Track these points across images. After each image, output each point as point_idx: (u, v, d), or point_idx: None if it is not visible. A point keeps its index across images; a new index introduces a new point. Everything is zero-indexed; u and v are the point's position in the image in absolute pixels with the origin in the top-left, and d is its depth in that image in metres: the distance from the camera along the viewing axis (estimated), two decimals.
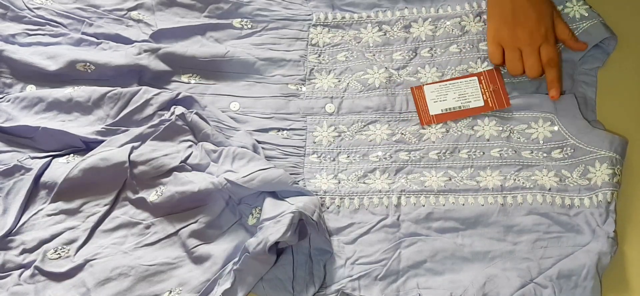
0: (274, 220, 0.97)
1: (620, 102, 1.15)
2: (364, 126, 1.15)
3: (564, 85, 1.14)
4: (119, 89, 1.14)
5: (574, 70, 1.16)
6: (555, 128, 1.10)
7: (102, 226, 1.04)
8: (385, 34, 1.24)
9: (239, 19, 1.26)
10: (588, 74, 1.16)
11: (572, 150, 1.08)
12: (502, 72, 1.17)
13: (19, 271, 1.00)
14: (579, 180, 1.06)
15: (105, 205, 1.05)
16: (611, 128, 1.11)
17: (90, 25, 1.24)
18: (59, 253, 1.01)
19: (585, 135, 1.08)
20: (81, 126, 1.11)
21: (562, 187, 1.06)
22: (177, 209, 1.04)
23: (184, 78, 1.20)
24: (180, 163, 1.07)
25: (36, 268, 1.00)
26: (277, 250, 1.01)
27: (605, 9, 1.18)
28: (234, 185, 1.02)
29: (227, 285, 0.96)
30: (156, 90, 1.14)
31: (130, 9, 1.26)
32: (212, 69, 1.21)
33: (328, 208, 1.08)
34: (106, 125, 1.11)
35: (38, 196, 1.07)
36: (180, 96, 1.14)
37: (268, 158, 1.11)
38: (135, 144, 1.08)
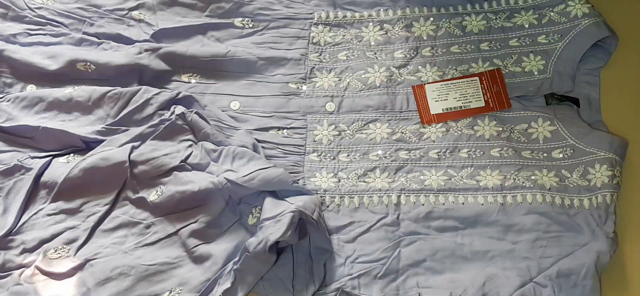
0: (274, 220, 0.98)
1: (622, 101, 1.15)
2: (364, 125, 1.15)
3: (566, 85, 1.14)
4: (119, 89, 1.14)
5: (576, 71, 1.16)
6: (555, 128, 1.10)
7: (102, 226, 1.04)
8: (386, 33, 1.24)
9: (240, 18, 1.26)
10: (590, 74, 1.16)
11: (572, 151, 1.08)
12: (504, 73, 1.17)
13: (19, 271, 1.00)
14: (578, 181, 1.06)
15: (105, 205, 1.06)
16: (613, 127, 1.11)
17: (92, 25, 1.24)
18: (59, 253, 1.01)
19: (584, 136, 1.08)
20: (81, 126, 1.11)
21: (562, 187, 1.05)
22: (177, 209, 1.04)
23: (185, 77, 1.20)
24: (180, 162, 1.07)
25: (36, 267, 1.00)
26: (277, 249, 1.01)
27: (606, 9, 1.18)
28: (234, 184, 1.02)
29: (227, 284, 0.96)
30: (156, 90, 1.14)
31: (131, 9, 1.26)
32: (213, 68, 1.21)
33: (328, 207, 1.08)
34: (106, 125, 1.11)
35: (38, 196, 1.07)
36: (180, 96, 1.14)
37: (268, 157, 1.11)
38: (136, 144, 1.09)
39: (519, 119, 1.12)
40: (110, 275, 0.99)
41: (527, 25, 1.20)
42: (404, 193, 1.08)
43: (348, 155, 1.13)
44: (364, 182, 1.10)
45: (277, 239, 0.95)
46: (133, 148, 1.08)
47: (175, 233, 1.03)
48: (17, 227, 1.04)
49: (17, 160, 1.08)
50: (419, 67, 1.19)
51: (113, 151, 1.07)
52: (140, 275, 0.99)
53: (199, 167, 1.07)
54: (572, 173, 1.07)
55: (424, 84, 1.17)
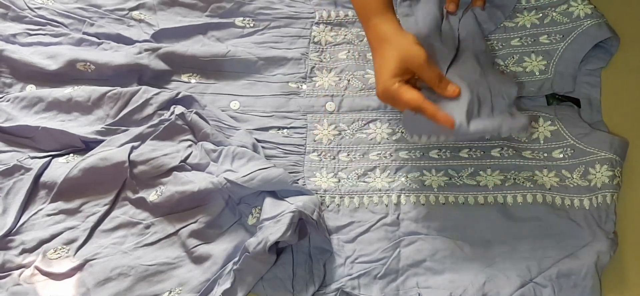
0: (274, 220, 0.98)
1: (623, 102, 1.14)
2: (365, 124, 1.15)
3: (567, 85, 1.14)
4: (118, 89, 1.14)
5: (577, 71, 1.15)
6: (556, 128, 1.10)
7: (102, 226, 1.05)
8: None
9: (241, 18, 1.26)
10: (591, 75, 1.16)
11: (572, 151, 1.08)
12: (505, 72, 1.16)
13: (19, 271, 1.00)
14: (579, 181, 1.05)
15: (105, 205, 1.06)
16: (613, 128, 1.11)
17: (92, 25, 1.24)
18: (58, 253, 1.02)
19: (585, 136, 1.08)
20: (81, 126, 1.12)
21: (562, 187, 1.05)
22: (177, 209, 1.05)
23: (184, 77, 1.20)
24: (180, 162, 1.07)
25: (36, 268, 1.00)
26: (277, 249, 1.01)
27: (608, 10, 1.17)
28: (233, 184, 1.02)
29: (227, 284, 0.97)
30: (156, 90, 1.15)
31: (131, 9, 1.27)
32: (213, 68, 1.21)
33: (328, 206, 1.08)
34: (106, 125, 1.12)
35: (38, 196, 1.07)
36: (180, 95, 1.14)
37: (268, 156, 1.11)
38: (135, 144, 1.09)
39: None
40: (110, 275, 0.99)
41: (529, 25, 1.20)
42: (404, 193, 1.08)
43: (348, 155, 1.12)
44: (364, 181, 1.10)
45: (277, 239, 0.95)
46: (133, 148, 1.08)
47: (175, 233, 1.03)
48: (16, 227, 1.04)
49: (17, 160, 1.09)
50: None
51: (112, 151, 1.07)
52: (140, 275, 1.00)
53: (199, 167, 1.07)
54: (572, 173, 1.06)
55: None
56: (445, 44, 1.12)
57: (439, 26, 1.16)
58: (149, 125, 1.11)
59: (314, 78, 1.20)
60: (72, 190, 1.06)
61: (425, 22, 1.16)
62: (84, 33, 1.23)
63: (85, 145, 1.11)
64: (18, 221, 1.05)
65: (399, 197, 1.08)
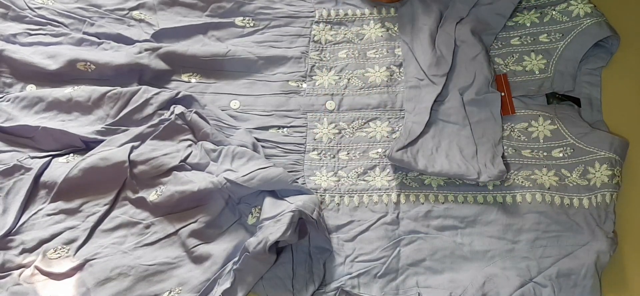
0: (274, 219, 0.98)
1: (623, 101, 1.14)
2: (365, 123, 1.15)
3: (567, 84, 1.14)
4: (118, 89, 1.14)
5: (578, 71, 1.15)
6: (556, 127, 1.10)
7: (102, 226, 1.05)
8: (387, 31, 1.23)
9: (241, 18, 1.26)
10: (592, 74, 1.16)
11: (572, 150, 1.08)
12: (504, 72, 1.16)
13: (19, 271, 1.00)
14: (578, 181, 1.05)
15: (105, 205, 1.06)
16: (614, 127, 1.11)
17: (92, 25, 1.24)
18: (58, 253, 1.02)
19: (585, 135, 1.08)
20: (81, 126, 1.12)
21: (562, 187, 1.05)
22: (176, 209, 1.05)
23: (185, 77, 1.20)
24: (180, 162, 1.07)
25: (36, 267, 1.00)
26: (277, 249, 1.01)
27: (608, 8, 1.17)
28: (233, 184, 1.02)
29: (227, 284, 0.97)
30: (156, 90, 1.14)
31: (131, 9, 1.26)
32: (213, 68, 1.21)
33: (328, 205, 1.08)
34: (106, 125, 1.11)
35: (38, 196, 1.07)
36: (179, 95, 1.14)
37: (268, 156, 1.11)
38: (135, 144, 1.09)
39: (520, 118, 1.12)
40: (110, 275, 0.99)
41: (528, 24, 1.20)
42: (404, 192, 1.08)
43: (348, 154, 1.12)
44: (364, 180, 1.10)
45: (277, 239, 0.95)
46: (133, 148, 1.08)
47: (175, 233, 1.03)
48: (16, 227, 1.04)
49: (17, 160, 1.09)
50: None
51: (113, 151, 1.07)
52: (140, 275, 1.00)
53: (199, 167, 1.07)
54: (571, 172, 1.06)
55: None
56: (440, 57, 1.15)
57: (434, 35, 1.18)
58: (149, 125, 1.11)
59: (314, 77, 1.20)
60: (72, 190, 1.06)
61: (423, 28, 1.18)
62: (84, 33, 1.23)
63: (85, 145, 1.11)
64: (18, 221, 1.04)
65: (398, 195, 1.08)
